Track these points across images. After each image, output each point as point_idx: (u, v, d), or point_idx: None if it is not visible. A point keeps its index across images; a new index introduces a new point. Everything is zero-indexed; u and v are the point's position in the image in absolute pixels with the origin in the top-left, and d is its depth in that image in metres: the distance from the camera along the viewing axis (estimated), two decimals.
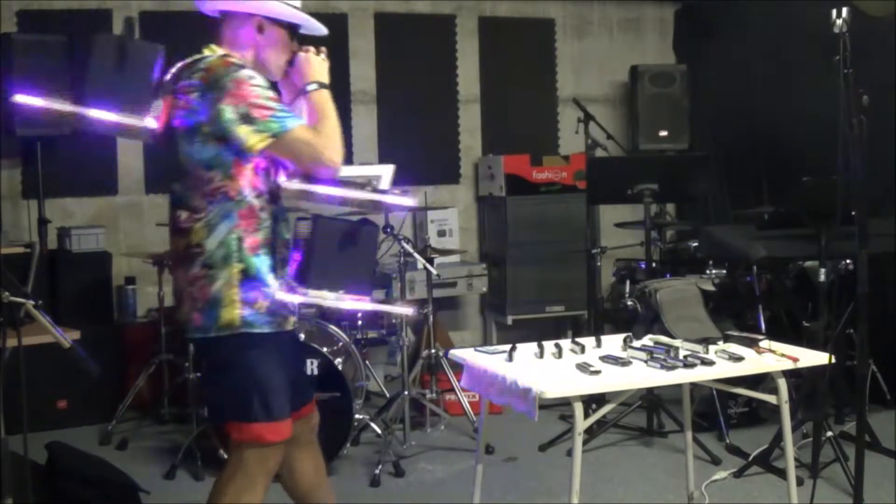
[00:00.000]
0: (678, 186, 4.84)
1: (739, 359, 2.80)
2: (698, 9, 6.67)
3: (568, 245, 5.79)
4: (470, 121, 6.46)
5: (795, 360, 2.81)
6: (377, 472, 4.08)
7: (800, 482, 3.54)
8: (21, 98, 2.32)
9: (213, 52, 2.63)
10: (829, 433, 3.85)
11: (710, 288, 3.30)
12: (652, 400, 4.57)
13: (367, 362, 4.87)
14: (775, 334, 3.38)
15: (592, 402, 3.80)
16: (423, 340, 4.91)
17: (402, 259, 4.56)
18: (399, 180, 6.20)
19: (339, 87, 6.14)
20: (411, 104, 6.26)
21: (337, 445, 4.09)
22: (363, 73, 6.21)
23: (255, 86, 2.50)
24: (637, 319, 3.23)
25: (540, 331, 5.14)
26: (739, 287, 4.79)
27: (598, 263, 5.01)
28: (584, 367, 2.69)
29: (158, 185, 5.79)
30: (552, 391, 2.55)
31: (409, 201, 2.95)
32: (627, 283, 5.08)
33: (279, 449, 2.67)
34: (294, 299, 2.63)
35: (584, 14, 6.73)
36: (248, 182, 2.53)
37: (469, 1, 6.42)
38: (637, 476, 4.05)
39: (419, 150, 6.23)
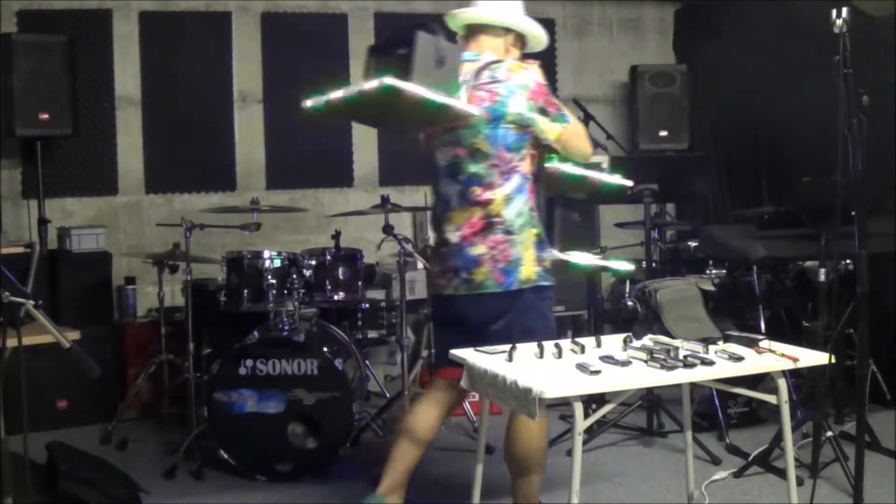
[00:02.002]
0: (678, 186, 4.84)
1: (739, 359, 2.80)
2: (698, 9, 6.67)
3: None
4: None
5: (795, 360, 2.81)
6: (377, 471, 4.07)
7: (800, 482, 3.54)
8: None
9: (499, 57, 3.11)
10: (829, 433, 3.85)
11: (710, 288, 3.30)
12: (652, 400, 4.57)
13: (367, 362, 4.87)
14: (775, 334, 3.39)
15: (592, 402, 3.80)
16: (423, 340, 4.91)
17: (402, 259, 4.56)
18: (399, 180, 6.25)
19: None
20: None
21: (337, 445, 4.10)
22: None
23: (546, 86, 3.07)
24: (637, 319, 3.23)
25: None
26: (739, 287, 4.79)
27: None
28: (584, 367, 2.69)
29: (158, 185, 5.80)
30: (552, 391, 2.54)
31: (628, 182, 3.42)
32: (627, 283, 5.08)
33: None
34: (560, 257, 3.18)
35: (584, 14, 6.73)
36: (531, 163, 3.08)
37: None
38: (637, 476, 4.05)
39: (419, 149, 6.23)
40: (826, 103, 3.18)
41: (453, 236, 3.12)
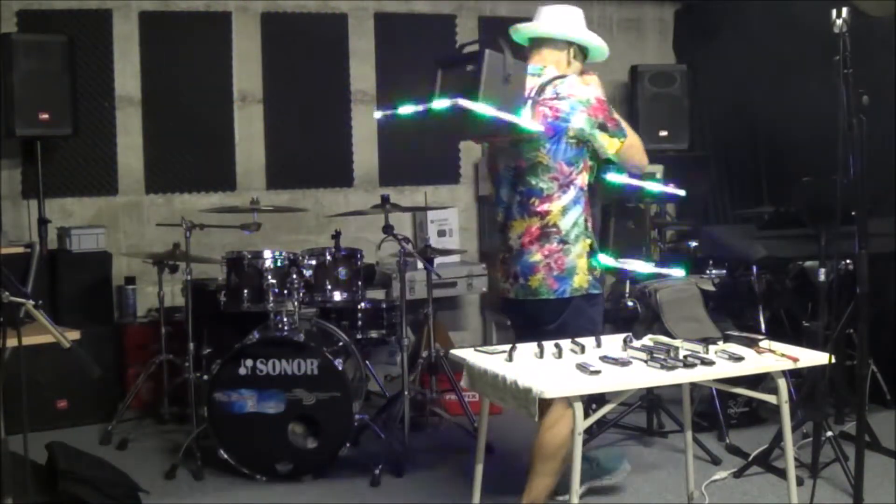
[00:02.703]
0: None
1: (739, 359, 2.80)
2: (698, 9, 6.67)
3: None
4: None
5: (795, 360, 2.81)
6: (377, 472, 4.08)
7: (800, 482, 3.54)
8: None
9: (561, 72, 3.25)
10: (829, 433, 3.85)
11: (710, 288, 3.30)
12: (652, 400, 4.57)
13: (367, 362, 4.87)
14: (775, 334, 3.39)
15: (592, 402, 3.80)
16: (423, 340, 4.90)
17: (402, 259, 4.55)
18: (399, 180, 6.25)
19: (339, 87, 6.20)
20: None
21: (337, 445, 4.10)
22: (363, 73, 6.21)
23: (606, 101, 3.21)
24: (637, 319, 3.23)
25: None
26: (739, 287, 4.78)
27: None
28: (584, 367, 2.69)
29: (158, 185, 5.80)
30: (552, 391, 2.55)
31: (680, 192, 3.56)
32: (627, 283, 5.07)
33: None
34: (617, 266, 3.35)
35: (584, 14, 6.71)
36: (587, 174, 3.22)
37: (469, 1, 6.42)
38: (637, 476, 4.05)
39: (419, 149, 6.24)
40: (826, 103, 3.18)
41: (515, 243, 3.30)
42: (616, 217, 3.51)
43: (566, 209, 3.20)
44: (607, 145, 3.19)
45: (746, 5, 5.79)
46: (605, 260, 3.29)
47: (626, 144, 3.22)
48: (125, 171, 5.74)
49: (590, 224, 3.25)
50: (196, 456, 4.14)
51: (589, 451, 3.76)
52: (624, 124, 3.26)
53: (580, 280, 3.22)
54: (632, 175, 3.39)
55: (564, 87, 3.19)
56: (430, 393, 4.81)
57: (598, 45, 3.37)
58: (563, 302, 3.22)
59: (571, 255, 3.20)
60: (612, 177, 3.28)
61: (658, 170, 3.51)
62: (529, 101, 3.15)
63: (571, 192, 3.19)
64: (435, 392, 4.84)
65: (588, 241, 3.23)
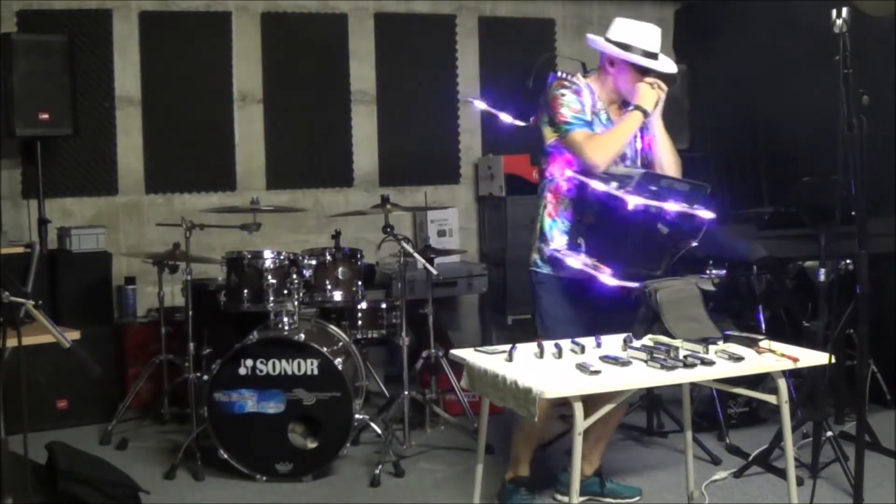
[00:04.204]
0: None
1: (739, 359, 2.80)
2: (698, 9, 6.66)
3: None
4: (470, 121, 6.46)
5: (795, 360, 2.81)
6: (377, 472, 4.08)
7: (800, 482, 3.54)
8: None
9: (574, 76, 3.54)
10: (829, 433, 3.85)
11: (710, 288, 3.30)
12: (652, 400, 4.57)
13: (367, 362, 4.87)
14: (775, 334, 3.38)
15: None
16: (423, 340, 4.91)
17: (402, 259, 4.55)
18: (399, 180, 6.25)
19: (339, 87, 6.20)
20: (411, 104, 6.26)
21: (337, 445, 4.09)
22: (363, 73, 6.20)
23: (564, 99, 3.41)
24: (637, 319, 3.23)
25: None
26: (739, 287, 4.78)
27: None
28: (584, 367, 2.69)
29: (158, 185, 5.80)
30: (552, 391, 2.55)
31: (707, 214, 3.28)
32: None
33: None
34: (570, 260, 3.36)
35: (584, 14, 6.72)
36: (559, 169, 3.47)
37: (469, 1, 6.42)
38: (637, 476, 4.05)
39: (419, 149, 6.23)
40: (826, 103, 3.18)
41: None
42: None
43: (540, 195, 3.57)
44: (546, 135, 3.49)
45: (746, 5, 5.79)
46: (564, 250, 3.42)
47: (567, 139, 3.39)
48: (125, 171, 5.73)
49: (548, 211, 3.49)
50: (196, 456, 4.14)
51: (607, 479, 3.82)
52: (575, 123, 3.39)
53: (533, 256, 3.55)
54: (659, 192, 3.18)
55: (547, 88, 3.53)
56: (430, 393, 4.81)
57: (618, 54, 3.56)
58: (528, 273, 3.61)
59: (534, 234, 3.56)
60: (596, 184, 3.24)
61: (636, 173, 3.30)
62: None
63: (544, 181, 3.55)
64: (435, 392, 4.84)
65: (539, 224, 3.52)
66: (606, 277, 3.24)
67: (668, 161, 3.51)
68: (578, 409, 2.57)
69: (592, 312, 3.39)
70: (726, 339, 3.01)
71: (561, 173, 3.47)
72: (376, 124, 6.24)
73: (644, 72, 3.48)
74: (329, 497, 3.95)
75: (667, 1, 6.89)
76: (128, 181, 5.74)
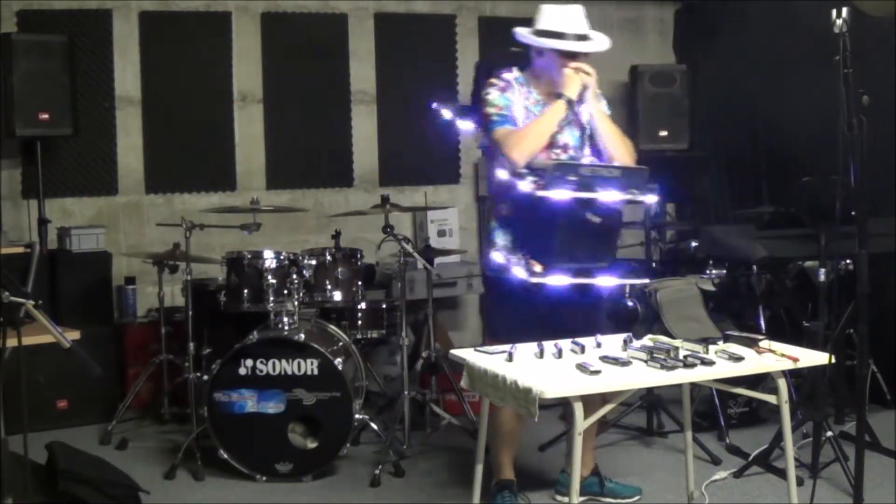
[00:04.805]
0: (678, 186, 4.84)
1: (739, 359, 2.80)
2: (698, 9, 6.66)
3: None
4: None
5: (795, 360, 2.81)
6: (377, 472, 4.08)
7: (800, 482, 3.54)
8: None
9: (510, 71, 3.49)
10: (829, 433, 3.85)
11: (710, 288, 3.30)
12: (652, 400, 4.57)
13: (367, 362, 4.87)
14: (775, 334, 3.39)
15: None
16: (423, 340, 4.90)
17: (402, 259, 4.55)
18: (399, 180, 6.25)
19: (339, 87, 6.19)
20: (411, 104, 6.26)
21: (337, 445, 4.09)
22: (363, 73, 6.20)
23: (489, 98, 3.40)
24: (637, 319, 3.23)
25: None
26: (739, 287, 4.78)
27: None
28: (583, 367, 2.69)
29: (158, 185, 5.80)
30: (552, 391, 2.55)
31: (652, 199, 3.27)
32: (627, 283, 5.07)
33: None
34: (504, 259, 3.31)
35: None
36: (499, 168, 3.35)
37: (469, 1, 6.42)
38: (637, 476, 4.05)
39: (419, 149, 6.23)
40: (826, 103, 3.18)
41: None
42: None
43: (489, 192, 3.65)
44: (476, 131, 3.66)
45: (746, 5, 5.79)
46: (503, 252, 3.35)
47: (492, 137, 3.37)
48: (125, 171, 5.73)
49: (495, 213, 3.47)
50: (196, 456, 4.14)
51: (606, 478, 3.78)
52: (498, 120, 3.36)
53: (484, 259, 3.57)
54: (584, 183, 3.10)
55: None
56: (430, 393, 4.80)
57: (537, 42, 3.45)
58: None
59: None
60: (523, 186, 3.15)
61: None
62: None
63: (489, 180, 3.59)
64: (435, 392, 4.84)
65: (489, 225, 3.51)
66: (559, 277, 3.15)
67: (612, 147, 3.42)
68: (578, 409, 2.57)
69: (548, 312, 3.33)
70: (726, 339, 3.01)
71: (502, 172, 3.37)
72: (376, 124, 6.24)
73: (572, 57, 3.37)
74: (329, 497, 3.95)
75: (667, 1, 6.89)
76: (128, 181, 5.74)
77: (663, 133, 6.24)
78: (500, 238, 3.41)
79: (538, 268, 3.15)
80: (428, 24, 6.33)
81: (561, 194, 3.03)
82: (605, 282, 3.26)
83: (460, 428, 4.61)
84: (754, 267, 4.72)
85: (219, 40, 5.86)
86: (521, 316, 3.34)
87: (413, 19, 6.30)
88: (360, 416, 4.32)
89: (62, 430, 4.65)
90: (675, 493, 3.79)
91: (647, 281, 3.50)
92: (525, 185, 3.12)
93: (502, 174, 3.34)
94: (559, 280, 3.15)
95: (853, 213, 3.09)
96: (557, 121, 3.36)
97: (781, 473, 3.45)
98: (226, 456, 4.08)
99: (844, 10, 2.99)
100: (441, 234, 5.98)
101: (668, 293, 3.18)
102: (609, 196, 3.08)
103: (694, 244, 5.13)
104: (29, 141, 5.23)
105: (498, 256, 3.37)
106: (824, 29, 3.05)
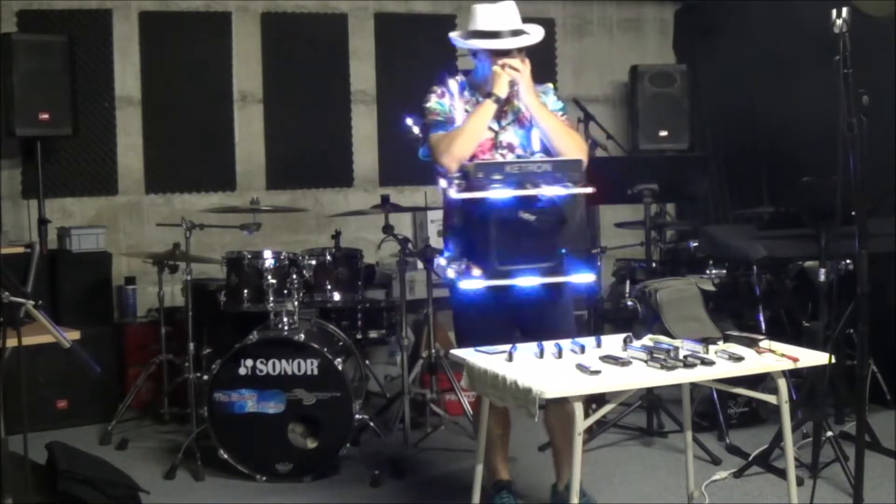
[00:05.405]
0: (678, 186, 4.84)
1: (739, 359, 2.80)
2: (698, 9, 6.67)
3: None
4: None
5: (795, 360, 2.81)
6: (377, 472, 4.08)
7: (800, 482, 3.54)
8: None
9: (454, 78, 3.51)
10: (829, 433, 3.85)
11: (710, 288, 3.29)
12: (652, 400, 4.57)
13: (367, 362, 4.87)
14: (775, 334, 3.38)
15: (592, 402, 3.80)
16: (423, 340, 4.90)
17: (402, 259, 4.55)
18: (399, 180, 6.25)
19: (339, 87, 6.20)
20: (411, 104, 6.24)
21: (337, 445, 4.09)
22: (363, 73, 6.21)
23: (426, 106, 3.41)
24: (637, 319, 3.23)
25: None
26: (739, 287, 4.78)
27: (599, 263, 5.00)
28: (584, 368, 2.69)
29: (158, 185, 5.80)
30: (552, 391, 2.55)
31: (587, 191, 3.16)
32: (627, 283, 5.07)
33: None
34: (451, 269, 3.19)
35: (584, 14, 6.73)
36: (440, 176, 3.26)
37: (469, 1, 6.40)
38: (637, 476, 4.05)
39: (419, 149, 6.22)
40: (826, 103, 3.18)
41: None
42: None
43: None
44: (420, 140, 3.49)
45: (746, 5, 5.79)
46: (451, 259, 3.19)
47: (429, 141, 3.35)
48: (125, 171, 5.74)
49: (448, 222, 3.36)
50: (196, 456, 4.14)
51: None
52: (436, 124, 3.36)
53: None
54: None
55: None
56: (430, 393, 4.80)
57: (463, 44, 3.48)
58: None
59: None
60: (451, 192, 3.10)
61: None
62: None
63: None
64: (435, 392, 4.84)
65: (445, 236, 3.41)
66: (527, 279, 3.07)
67: (556, 141, 3.29)
68: (578, 409, 2.57)
69: (511, 315, 3.28)
70: (726, 339, 3.01)
71: (446, 179, 3.24)
72: (376, 124, 6.24)
73: (504, 55, 3.30)
74: (329, 497, 3.95)
75: (667, 1, 6.89)
76: (128, 181, 5.74)
77: (663, 133, 6.24)
78: (450, 249, 3.25)
79: (476, 272, 3.07)
80: (428, 24, 6.33)
81: (490, 195, 2.97)
82: (525, 282, 3.12)
83: (460, 428, 4.61)
84: (754, 267, 4.72)
85: (219, 40, 5.86)
86: (485, 320, 3.22)
87: (413, 19, 6.30)
88: (360, 416, 4.32)
89: (62, 430, 4.65)
90: (675, 493, 3.79)
91: (592, 277, 3.28)
92: (452, 191, 3.06)
93: (442, 182, 3.25)
94: (476, 284, 3.07)
95: (853, 213, 3.09)
96: (486, 121, 3.28)
97: (781, 473, 3.45)
98: (226, 456, 4.08)
99: (844, 10, 2.99)
100: (441, 234, 5.97)
101: (668, 293, 3.17)
102: (542, 191, 3.01)
103: (694, 244, 5.13)
104: (29, 141, 5.23)
105: (449, 271, 3.19)
106: (824, 29, 3.05)
